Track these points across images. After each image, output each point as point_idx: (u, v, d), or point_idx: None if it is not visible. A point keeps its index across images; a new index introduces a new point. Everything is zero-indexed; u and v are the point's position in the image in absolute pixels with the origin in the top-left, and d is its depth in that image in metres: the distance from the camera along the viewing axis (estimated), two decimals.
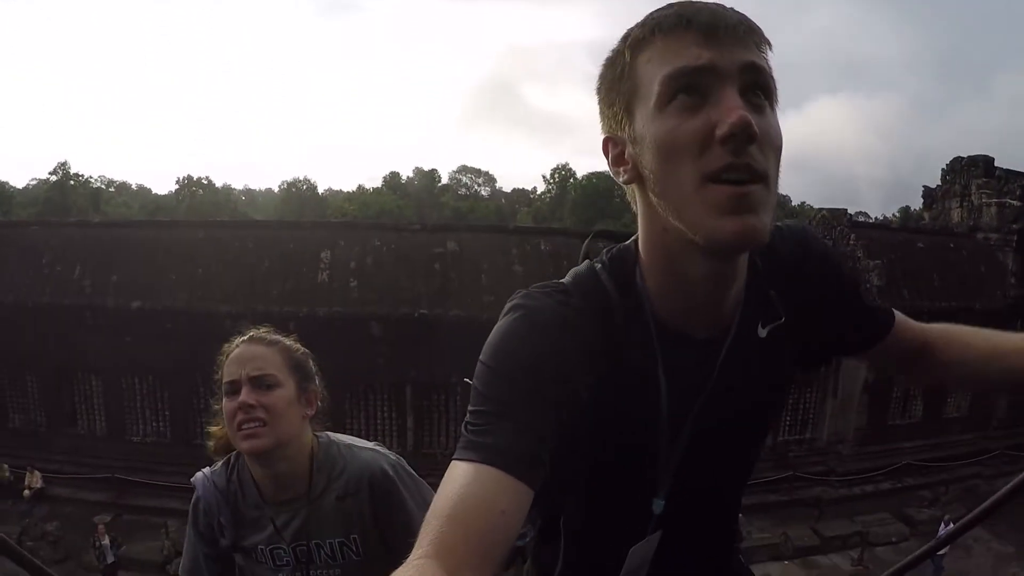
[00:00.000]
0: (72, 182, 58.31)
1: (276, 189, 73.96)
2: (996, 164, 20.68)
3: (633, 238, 1.18)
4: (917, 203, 26.23)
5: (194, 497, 2.05)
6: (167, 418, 15.30)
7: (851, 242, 17.10)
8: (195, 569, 2.06)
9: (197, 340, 14.16)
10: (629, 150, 1.05)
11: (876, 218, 70.80)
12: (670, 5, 1.01)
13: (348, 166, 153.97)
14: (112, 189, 70.80)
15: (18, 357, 15.10)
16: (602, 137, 1.11)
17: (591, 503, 1.30)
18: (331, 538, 2.02)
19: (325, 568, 2.03)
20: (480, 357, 1.07)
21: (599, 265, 1.19)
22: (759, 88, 0.97)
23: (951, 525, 12.70)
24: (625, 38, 1.03)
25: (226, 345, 2.03)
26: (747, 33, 0.97)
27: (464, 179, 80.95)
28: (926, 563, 12.38)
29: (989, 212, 19.87)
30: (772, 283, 1.19)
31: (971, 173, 20.98)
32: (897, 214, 67.19)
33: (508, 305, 1.13)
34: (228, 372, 1.94)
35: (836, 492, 16.00)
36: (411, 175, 77.49)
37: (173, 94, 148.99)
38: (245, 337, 2.02)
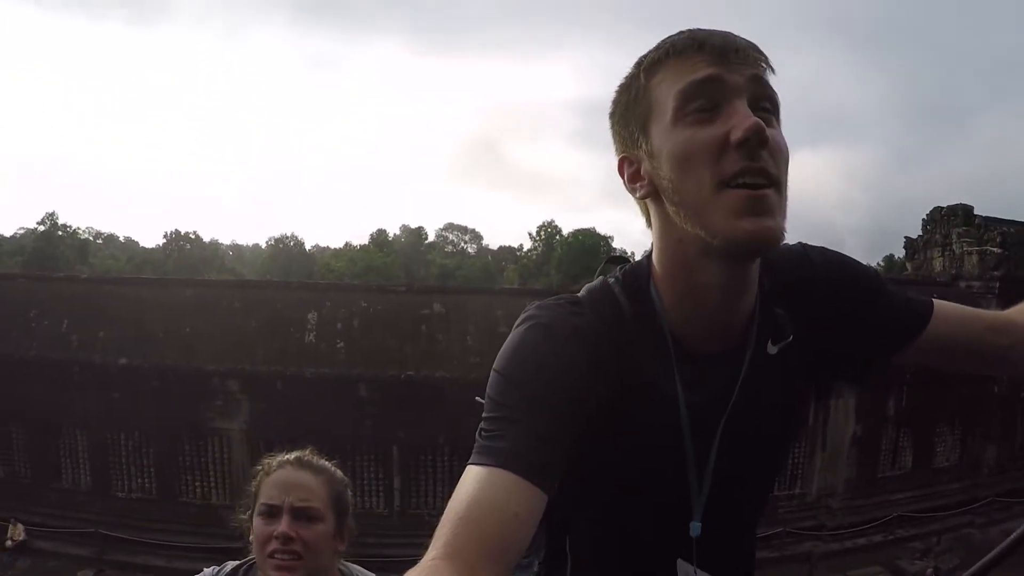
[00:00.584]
0: (60, 232, 58.18)
1: (263, 245, 74.20)
2: (975, 212, 20.99)
3: (645, 254, 1.22)
4: (900, 251, 26.48)
5: None
6: (152, 475, 15.07)
7: None
8: None
9: (184, 398, 14.16)
10: (645, 166, 1.10)
11: None
12: (682, 31, 1.08)
13: (335, 223, 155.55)
14: (99, 241, 70.89)
15: (3, 409, 14.89)
16: (617, 158, 1.16)
17: (619, 524, 1.27)
18: None
19: None
20: (493, 367, 1.09)
21: (612, 280, 1.22)
22: (767, 101, 1.03)
23: None
24: (639, 63, 1.10)
25: (267, 460, 1.98)
26: (756, 55, 1.04)
27: (451, 236, 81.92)
28: None
29: (970, 260, 20.07)
30: (778, 301, 1.21)
31: (951, 222, 21.28)
32: (882, 263, 67.60)
33: (521, 316, 1.15)
34: (268, 494, 1.87)
35: (827, 547, 15.80)
36: (398, 232, 78.14)
37: (162, 147, 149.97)
38: (291, 458, 1.96)
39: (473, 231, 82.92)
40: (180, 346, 14.34)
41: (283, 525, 1.79)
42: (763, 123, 0.97)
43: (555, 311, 1.14)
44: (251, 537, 1.90)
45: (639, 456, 1.16)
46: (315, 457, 2.00)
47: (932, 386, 16.05)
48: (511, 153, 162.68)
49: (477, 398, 1.10)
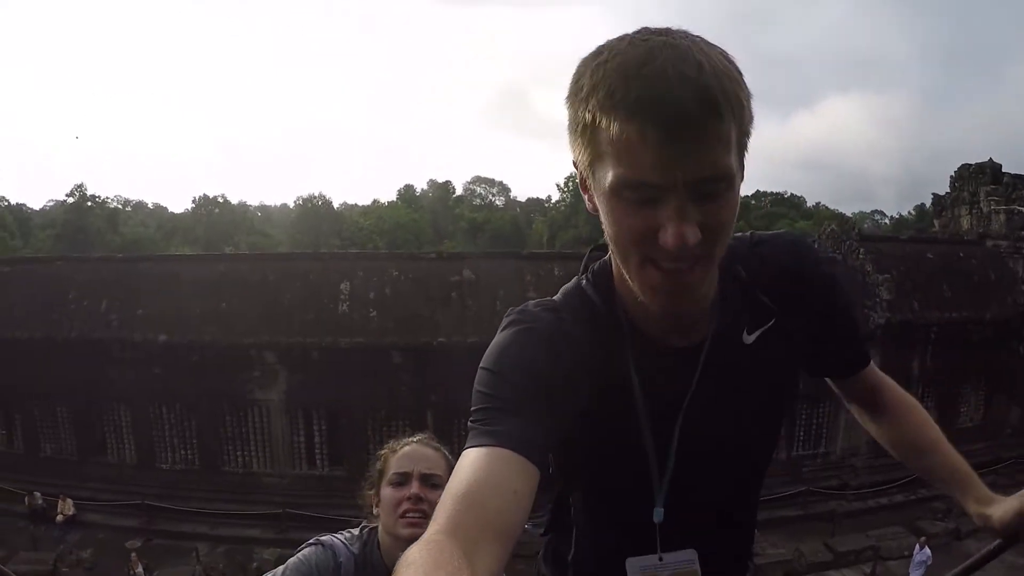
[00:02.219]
0: (89, 204, 58.68)
1: (291, 205, 73.64)
2: (1004, 169, 20.72)
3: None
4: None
5: (327, 557, 2.04)
6: (195, 446, 15.66)
7: (860, 256, 17.12)
8: None
9: (223, 371, 14.59)
10: (592, 191, 1.06)
11: (892, 216, 70.68)
12: (626, 68, 0.93)
13: (363, 180, 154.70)
14: (128, 209, 71.05)
15: (48, 389, 15.49)
16: (575, 168, 1.11)
17: (598, 510, 1.33)
18: None
19: None
20: (482, 364, 1.12)
21: (585, 281, 1.25)
22: (713, 184, 0.95)
23: (926, 548, 12.80)
24: (580, 84, 0.99)
25: (392, 442, 2.23)
26: (710, 120, 0.91)
27: (478, 190, 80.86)
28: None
29: (998, 219, 19.84)
30: (763, 288, 1.24)
31: (979, 180, 20.99)
32: (913, 212, 66.60)
33: (505, 320, 1.19)
34: (399, 464, 2.11)
35: (850, 506, 15.99)
36: (425, 187, 77.70)
37: (187, 110, 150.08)
38: (415, 439, 2.21)
39: (501, 183, 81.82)
40: (217, 321, 14.77)
41: (414, 487, 2.05)
42: (687, 242, 0.95)
43: (539, 315, 1.18)
44: (375, 509, 2.13)
45: (609, 447, 1.22)
46: (432, 439, 2.25)
47: (957, 346, 16.05)
48: (537, 103, 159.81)
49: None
